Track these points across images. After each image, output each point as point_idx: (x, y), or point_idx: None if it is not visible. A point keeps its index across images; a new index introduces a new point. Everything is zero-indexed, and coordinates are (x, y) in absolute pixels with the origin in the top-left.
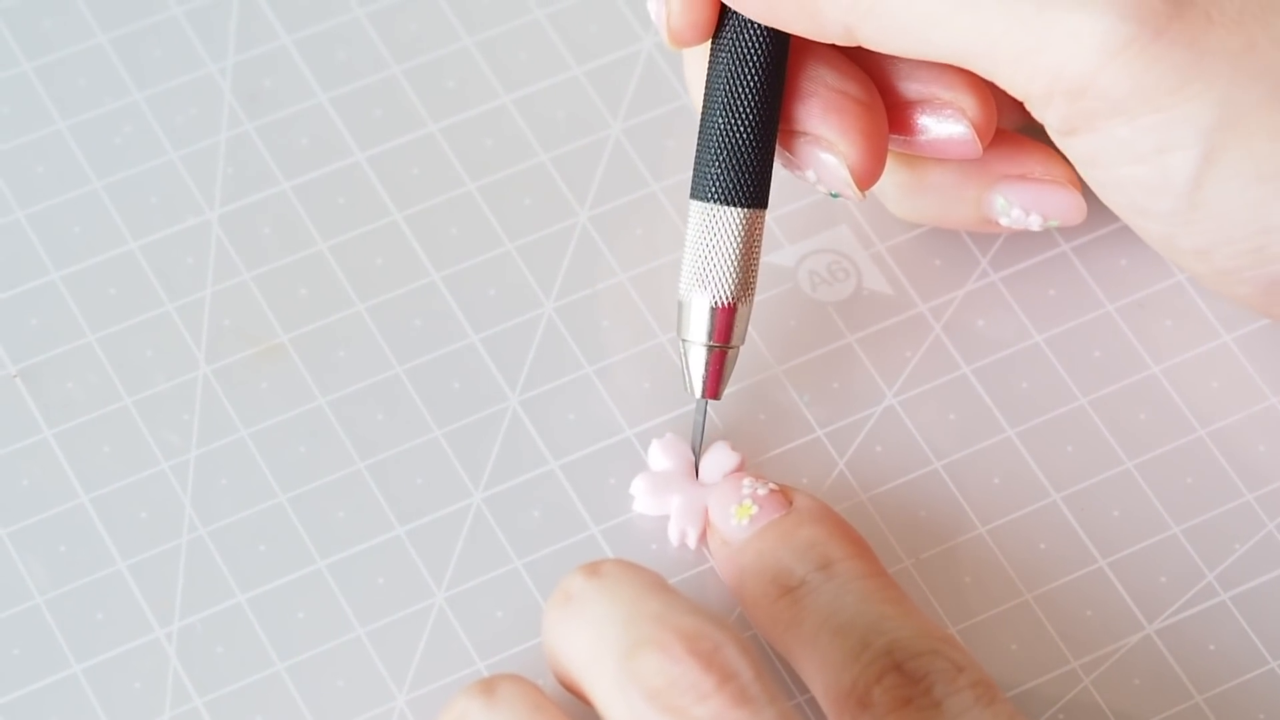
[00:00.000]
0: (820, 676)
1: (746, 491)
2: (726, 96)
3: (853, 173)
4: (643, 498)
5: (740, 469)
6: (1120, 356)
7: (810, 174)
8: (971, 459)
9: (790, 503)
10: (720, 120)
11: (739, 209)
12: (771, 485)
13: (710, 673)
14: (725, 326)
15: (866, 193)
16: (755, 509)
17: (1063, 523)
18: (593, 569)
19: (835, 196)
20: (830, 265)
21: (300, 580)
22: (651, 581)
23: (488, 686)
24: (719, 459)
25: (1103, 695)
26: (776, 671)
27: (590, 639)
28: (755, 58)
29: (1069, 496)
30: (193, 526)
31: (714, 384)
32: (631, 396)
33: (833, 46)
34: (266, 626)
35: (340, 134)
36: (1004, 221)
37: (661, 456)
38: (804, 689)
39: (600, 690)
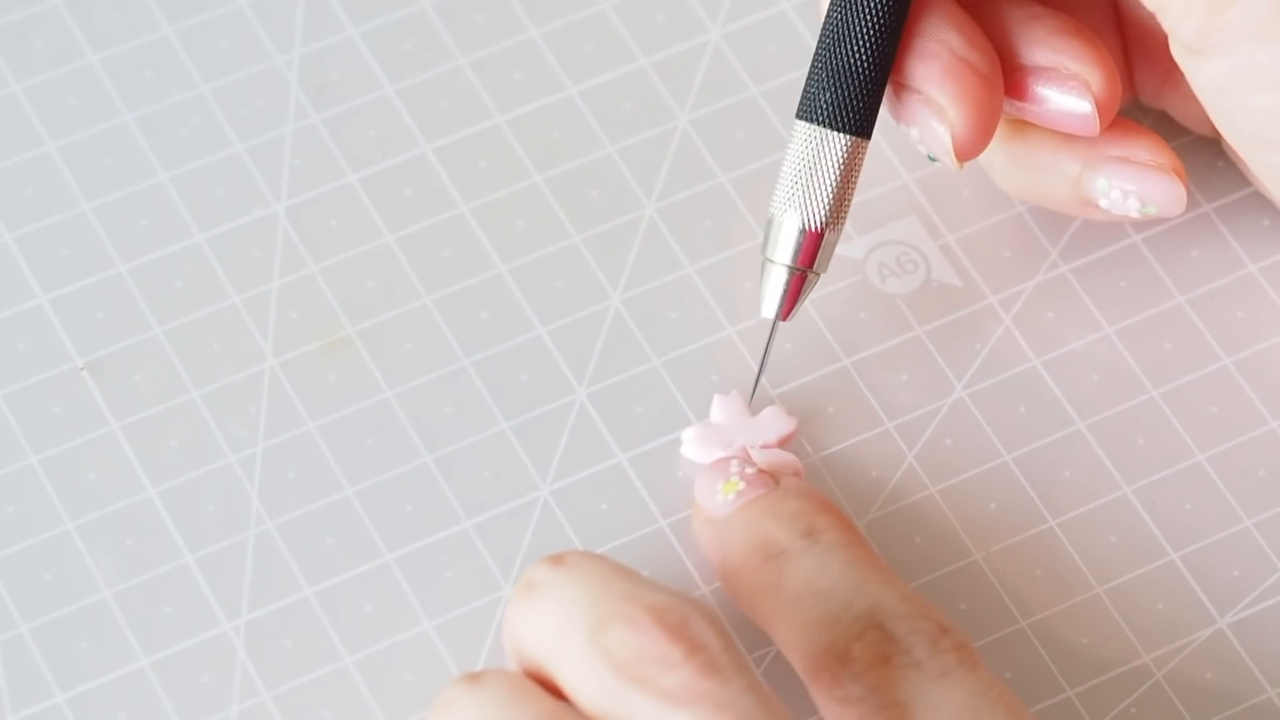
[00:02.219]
0: (800, 639)
1: (734, 471)
2: (848, 21)
3: (956, 143)
4: (691, 445)
5: (794, 433)
6: (1191, 348)
7: (914, 132)
8: (1042, 452)
9: (777, 483)
10: (838, 44)
11: (843, 135)
12: (759, 467)
13: (678, 643)
14: (811, 250)
15: (964, 165)
16: (742, 485)
17: (1134, 516)
18: (557, 559)
19: (932, 160)
20: (899, 257)
21: (368, 574)
22: (615, 566)
23: (474, 676)
24: (775, 423)
25: (1175, 689)
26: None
27: (557, 621)
28: None
29: (1140, 489)
30: (260, 520)
31: (788, 307)
32: (699, 389)
33: (963, 10)
34: (334, 620)
35: (407, 126)
36: (1103, 203)
37: (720, 411)
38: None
39: (568, 669)
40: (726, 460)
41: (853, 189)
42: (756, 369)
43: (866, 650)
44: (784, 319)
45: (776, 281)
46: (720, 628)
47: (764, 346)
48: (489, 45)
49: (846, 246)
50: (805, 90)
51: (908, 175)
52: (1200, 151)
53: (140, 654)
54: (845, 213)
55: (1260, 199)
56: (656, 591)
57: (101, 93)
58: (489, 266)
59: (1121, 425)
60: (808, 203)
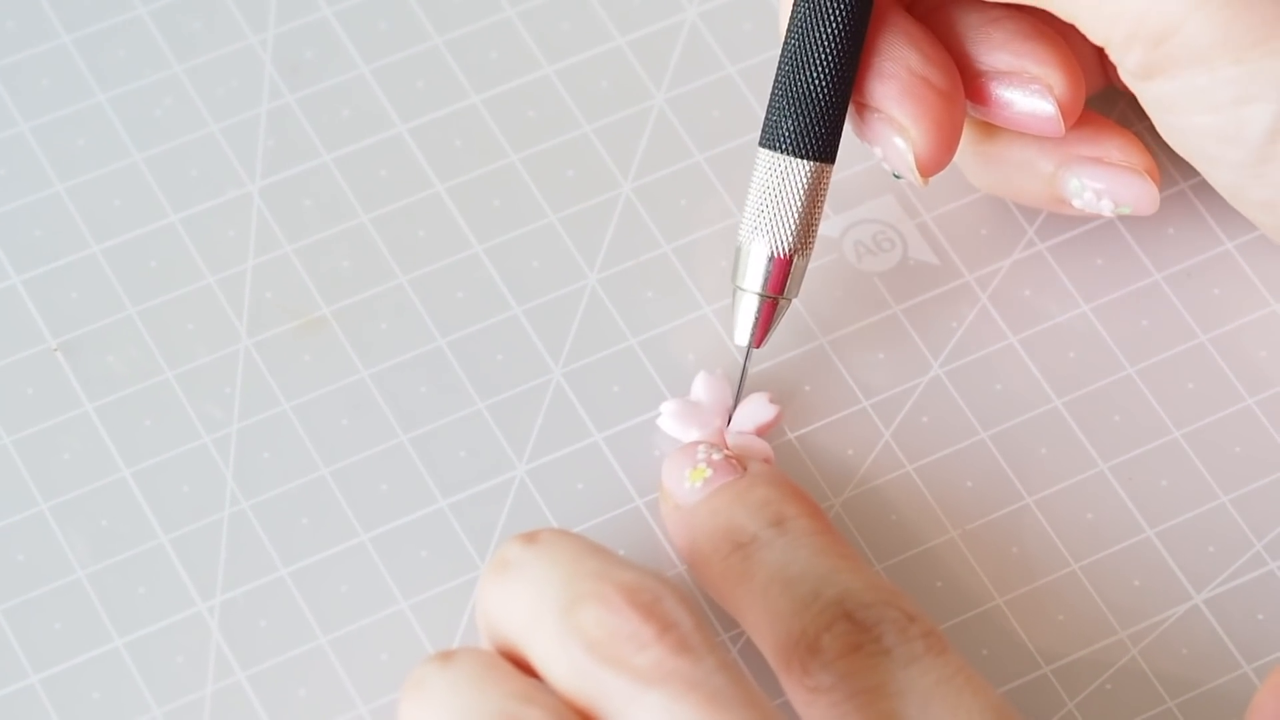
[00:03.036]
0: (769, 628)
1: (701, 457)
2: (805, 49)
3: (918, 160)
4: (669, 419)
5: (775, 422)
6: (1168, 325)
7: (878, 150)
8: (1018, 429)
9: (745, 469)
10: (797, 72)
11: (807, 161)
12: (726, 452)
13: (650, 622)
14: (780, 277)
15: (928, 181)
16: (709, 472)
17: (1110, 493)
18: (530, 537)
19: (897, 178)
20: (875, 235)
21: (343, 553)
22: (588, 544)
23: (446, 655)
24: (756, 410)
25: (1150, 665)
26: (716, 627)
27: (530, 600)
28: (838, 10)
29: (1116, 466)
30: (235, 500)
31: (761, 334)
32: (676, 368)
33: (919, 25)
34: (309, 600)
35: (382, 106)
36: (1076, 203)
37: (702, 390)
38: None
39: (540, 648)
40: (694, 445)
41: (819, 213)
42: (740, 371)
43: (836, 640)
44: (757, 346)
45: (748, 309)
46: (693, 606)
47: (739, 373)
48: (465, 24)
49: (823, 225)
50: (767, 118)
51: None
52: (1145, 140)
53: (115, 634)
54: (813, 238)
55: None
56: (629, 570)
57: (75, 73)
58: (465, 246)
59: (1098, 402)
60: (775, 230)
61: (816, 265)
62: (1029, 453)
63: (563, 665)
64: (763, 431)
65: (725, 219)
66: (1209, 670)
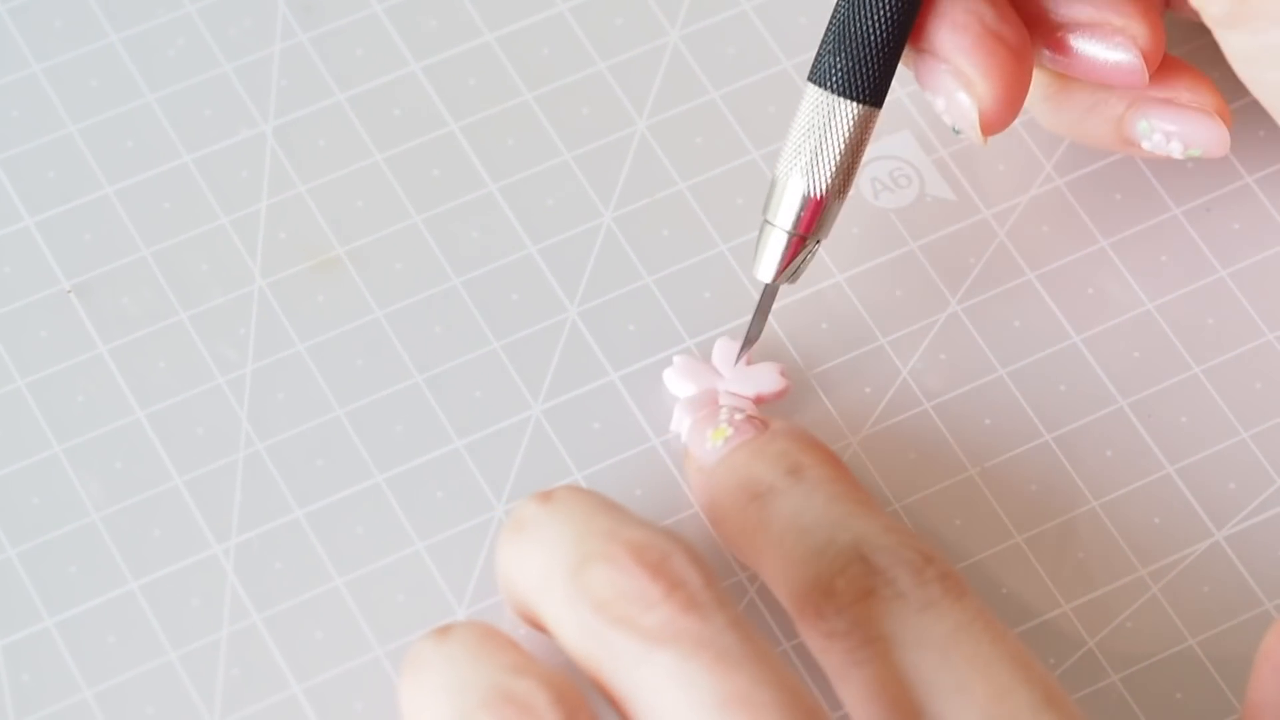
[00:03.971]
0: (785, 575)
1: (724, 418)
2: None
3: (983, 117)
4: (673, 374)
5: (781, 394)
6: (1188, 260)
7: (940, 102)
8: (1037, 366)
9: (766, 426)
10: (857, 10)
11: (855, 104)
12: (749, 413)
13: (658, 581)
14: (812, 218)
15: (989, 140)
16: (730, 431)
17: (1129, 429)
18: (545, 496)
19: (956, 132)
20: (893, 172)
21: (358, 495)
22: (603, 503)
23: (443, 630)
24: (761, 378)
25: (1171, 602)
26: (738, 574)
27: (543, 561)
28: None
29: (1135, 403)
30: (249, 441)
31: (781, 271)
32: (692, 306)
33: None
34: (324, 541)
35: (395, 44)
36: (1145, 145)
37: (718, 354)
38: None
39: (551, 609)
40: (717, 407)
41: (860, 157)
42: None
43: (850, 584)
44: (774, 281)
45: (775, 245)
46: (701, 564)
47: (755, 308)
48: None
49: None
50: (819, 53)
51: (901, 90)
52: (1196, 61)
53: (129, 577)
54: (851, 181)
55: (1257, 109)
56: (639, 529)
57: (88, 13)
58: (479, 185)
59: (1117, 338)
60: (814, 169)
61: None
62: (1047, 389)
63: (572, 626)
64: (763, 401)
65: (741, 155)
66: (1230, 607)
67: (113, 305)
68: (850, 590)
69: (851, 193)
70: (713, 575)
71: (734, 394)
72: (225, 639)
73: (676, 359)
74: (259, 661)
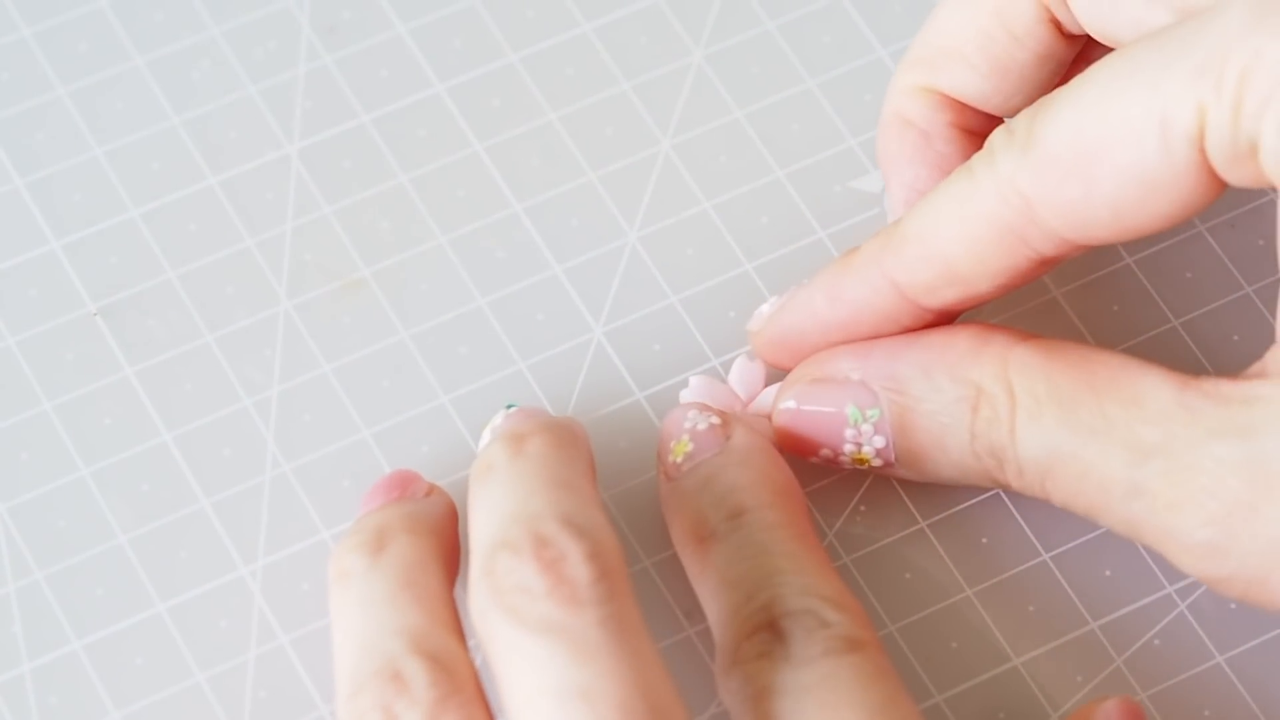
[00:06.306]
0: (714, 631)
1: (687, 426)
2: None
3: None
4: (690, 397)
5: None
6: (1213, 275)
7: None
8: None
9: (728, 438)
10: None
11: None
12: (713, 419)
13: (547, 575)
14: None
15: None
16: (691, 446)
17: None
18: (518, 446)
19: None
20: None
21: None
22: (554, 474)
23: (379, 546)
24: (746, 373)
25: (1199, 619)
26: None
27: (482, 521)
28: None
29: None
30: (276, 463)
31: None
32: (717, 326)
33: None
34: None
35: (419, 66)
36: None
37: (736, 375)
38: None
39: (472, 571)
40: (686, 408)
41: None
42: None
43: (753, 649)
44: None
45: None
46: (602, 559)
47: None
48: None
49: (864, 181)
50: None
51: None
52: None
53: (157, 599)
54: None
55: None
56: (555, 520)
57: (112, 36)
58: (504, 205)
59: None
60: None
61: (856, 221)
62: None
63: (476, 598)
64: None
65: (765, 175)
66: (1259, 625)
67: (139, 327)
68: (752, 655)
69: (876, 211)
70: (611, 570)
71: (701, 404)
72: (253, 661)
73: (693, 379)
74: (287, 683)
